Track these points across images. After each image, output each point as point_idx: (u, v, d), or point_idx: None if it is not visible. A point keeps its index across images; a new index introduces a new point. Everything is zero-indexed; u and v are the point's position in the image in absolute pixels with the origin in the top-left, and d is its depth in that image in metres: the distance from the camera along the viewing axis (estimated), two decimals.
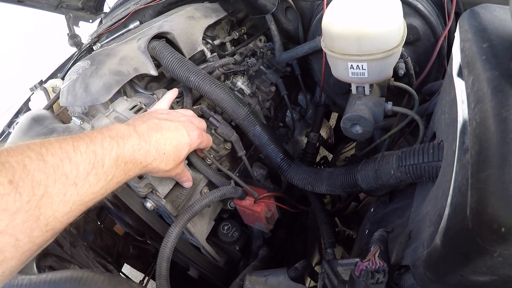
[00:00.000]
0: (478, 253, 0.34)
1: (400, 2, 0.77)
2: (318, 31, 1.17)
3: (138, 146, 0.67)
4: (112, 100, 1.00)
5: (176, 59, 1.00)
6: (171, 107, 1.01)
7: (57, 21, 2.07)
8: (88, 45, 1.71)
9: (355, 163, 0.83)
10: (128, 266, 1.88)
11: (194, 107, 1.10)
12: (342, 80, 0.86)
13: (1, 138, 1.64)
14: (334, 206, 1.55)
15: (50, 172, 0.49)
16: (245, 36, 1.46)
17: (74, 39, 1.85)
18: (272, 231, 1.21)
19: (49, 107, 1.25)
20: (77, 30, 1.96)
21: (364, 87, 0.84)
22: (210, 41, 1.25)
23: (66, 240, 1.10)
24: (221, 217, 1.23)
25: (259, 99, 1.24)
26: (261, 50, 1.33)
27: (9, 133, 1.61)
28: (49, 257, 0.86)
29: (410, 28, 0.97)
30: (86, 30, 1.98)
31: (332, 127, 1.80)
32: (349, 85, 0.88)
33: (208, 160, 1.02)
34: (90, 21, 2.04)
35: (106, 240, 1.70)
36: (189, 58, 1.12)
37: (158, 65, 1.07)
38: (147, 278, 1.89)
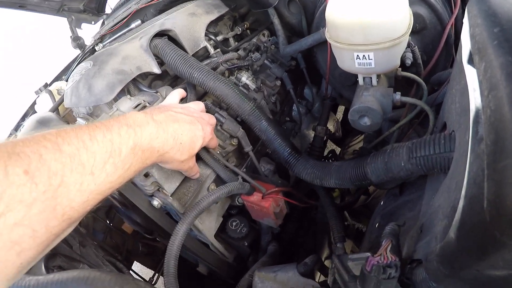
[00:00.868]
0: (495, 247, 0.33)
1: None
2: (322, 23, 1.15)
3: (156, 134, 0.67)
4: (115, 99, 0.99)
5: (179, 56, 0.99)
6: None
7: (60, 24, 2.07)
8: (91, 47, 1.71)
9: (364, 156, 0.82)
10: (138, 263, 1.89)
11: None
12: (348, 71, 0.84)
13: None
14: (343, 200, 1.54)
15: (67, 162, 0.48)
16: (248, 31, 1.44)
17: (77, 41, 1.85)
18: (281, 226, 1.21)
19: (55, 110, 1.25)
20: (79, 32, 1.96)
21: (371, 78, 0.82)
22: (213, 37, 1.24)
23: (75, 240, 1.10)
24: (230, 213, 1.22)
25: (264, 94, 1.23)
26: (265, 44, 1.31)
27: (16, 136, 1.62)
28: (58, 257, 0.86)
29: (416, 16, 0.95)
30: (89, 31, 1.98)
31: (339, 120, 1.77)
32: (356, 76, 0.87)
33: (215, 156, 1.01)
34: (93, 22, 2.04)
35: (116, 238, 1.71)
36: (192, 55, 1.11)
37: (161, 63, 1.07)
38: (157, 275, 1.90)
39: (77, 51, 1.90)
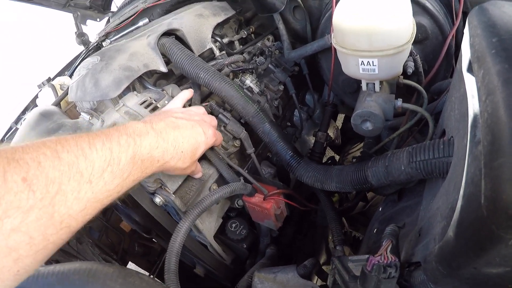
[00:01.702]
0: (492, 242, 0.34)
1: (410, 0, 0.78)
2: (327, 30, 1.17)
3: (155, 144, 0.67)
4: (120, 96, 1.01)
5: (186, 56, 1.01)
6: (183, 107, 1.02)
7: (65, 19, 2.09)
8: (95, 44, 1.73)
9: (365, 160, 0.83)
10: (133, 264, 1.89)
11: (203, 104, 1.11)
12: (352, 76, 0.86)
13: (9, 134, 1.66)
14: (341, 206, 1.55)
15: (65, 170, 0.49)
16: (252, 35, 1.47)
17: (82, 37, 1.87)
18: (280, 230, 1.22)
19: (57, 104, 1.26)
20: (84, 29, 1.98)
21: (374, 84, 0.84)
22: (219, 39, 1.26)
23: (72, 236, 1.10)
24: (228, 216, 1.23)
25: (267, 98, 1.25)
26: (269, 49, 1.33)
27: (17, 129, 1.63)
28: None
29: (418, 26, 0.97)
30: (94, 28, 2.00)
31: (339, 128, 1.79)
32: (358, 84, 0.89)
33: (220, 155, 1.03)
34: (98, 19, 2.06)
35: (112, 237, 1.70)
36: (198, 56, 1.13)
37: (167, 62, 1.08)
38: (151, 276, 1.89)
39: (81, 47, 1.93)
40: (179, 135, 0.74)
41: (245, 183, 1.00)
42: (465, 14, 1.01)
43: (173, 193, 0.94)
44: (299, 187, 1.31)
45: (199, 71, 0.99)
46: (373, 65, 0.77)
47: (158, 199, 0.94)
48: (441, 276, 0.49)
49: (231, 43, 1.36)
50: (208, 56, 1.25)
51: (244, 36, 1.40)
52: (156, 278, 1.73)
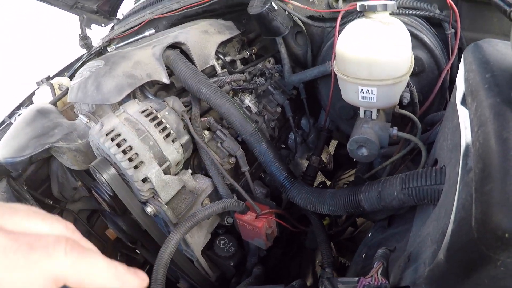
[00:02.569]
0: (482, 262, 0.36)
1: (409, 34, 0.82)
2: (328, 57, 1.22)
3: None
4: (120, 102, 1.01)
5: (189, 70, 1.03)
6: (182, 119, 1.01)
7: (70, 21, 2.11)
8: (98, 48, 1.75)
9: (358, 185, 0.85)
10: None
11: (202, 119, 1.12)
12: (351, 103, 0.89)
13: (1, 127, 1.65)
14: (330, 230, 1.55)
15: None
16: (254, 56, 1.51)
17: (85, 40, 1.89)
18: (267, 250, 1.21)
19: (54, 103, 1.27)
20: (88, 32, 2.01)
21: (371, 112, 0.87)
22: (222, 57, 1.29)
23: None
24: (217, 232, 1.22)
25: (265, 118, 1.27)
26: (270, 71, 1.37)
27: (10, 123, 1.61)
28: None
29: (416, 60, 1.02)
30: (97, 33, 2.03)
31: (331, 154, 1.82)
32: (355, 111, 0.92)
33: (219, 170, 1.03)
34: (103, 25, 2.09)
35: (95, 244, 1.65)
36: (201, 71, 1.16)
37: (169, 74, 1.10)
38: None
39: (82, 51, 1.94)
40: None
41: (238, 201, 1.01)
42: (460, 50, 1.07)
43: (166, 204, 0.94)
44: (290, 208, 1.31)
45: (201, 86, 1.01)
46: (372, 93, 0.80)
47: (149, 209, 0.94)
48: None
49: (233, 61, 1.39)
50: (210, 73, 1.28)
51: (246, 56, 1.43)
52: None
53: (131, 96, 1.04)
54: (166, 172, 0.95)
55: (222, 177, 1.04)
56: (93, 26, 2.08)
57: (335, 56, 0.89)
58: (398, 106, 0.92)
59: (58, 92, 1.49)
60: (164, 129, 0.94)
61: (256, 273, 1.18)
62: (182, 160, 1.01)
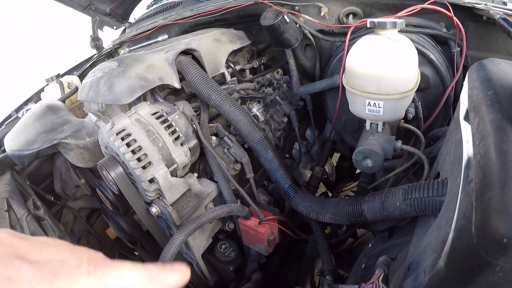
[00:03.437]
0: (481, 268, 0.37)
1: (417, 51, 0.85)
2: (337, 70, 1.24)
3: None
4: (130, 104, 1.04)
5: (201, 76, 1.06)
6: (191, 124, 1.03)
7: (82, 21, 2.13)
8: (108, 50, 1.78)
9: (361, 195, 0.87)
10: None
11: (210, 125, 1.15)
12: (358, 116, 0.92)
13: (8, 121, 1.66)
14: (330, 240, 1.56)
15: None
16: (262, 66, 1.54)
17: (96, 41, 1.92)
18: (267, 257, 1.22)
19: (63, 101, 1.28)
20: (100, 34, 2.04)
21: (377, 125, 0.90)
22: (232, 66, 1.32)
23: (55, 234, 1.09)
24: (217, 237, 1.24)
25: (271, 127, 1.30)
26: (278, 81, 1.40)
27: (17, 117, 1.63)
28: None
29: (422, 76, 1.04)
30: (108, 36, 2.06)
31: (334, 166, 1.84)
32: (360, 123, 0.94)
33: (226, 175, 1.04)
34: (115, 27, 2.12)
35: (92, 243, 1.64)
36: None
37: (180, 79, 1.13)
38: None
39: (93, 51, 1.98)
40: None
41: (242, 206, 1.02)
42: (465, 68, 1.09)
43: (171, 205, 0.96)
44: (291, 217, 1.32)
45: (212, 93, 1.04)
46: (378, 107, 0.83)
47: (154, 209, 0.95)
48: None
49: (242, 70, 1.42)
50: (219, 80, 1.31)
51: (255, 66, 1.47)
52: None
53: (141, 98, 1.07)
54: (173, 174, 0.97)
55: (228, 182, 1.05)
56: (105, 28, 2.10)
57: (344, 70, 0.92)
58: (403, 120, 0.94)
59: (67, 90, 1.50)
60: (173, 132, 0.97)
61: (255, 279, 1.19)
62: (189, 163, 1.03)
